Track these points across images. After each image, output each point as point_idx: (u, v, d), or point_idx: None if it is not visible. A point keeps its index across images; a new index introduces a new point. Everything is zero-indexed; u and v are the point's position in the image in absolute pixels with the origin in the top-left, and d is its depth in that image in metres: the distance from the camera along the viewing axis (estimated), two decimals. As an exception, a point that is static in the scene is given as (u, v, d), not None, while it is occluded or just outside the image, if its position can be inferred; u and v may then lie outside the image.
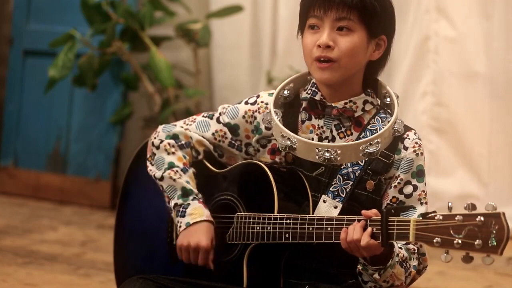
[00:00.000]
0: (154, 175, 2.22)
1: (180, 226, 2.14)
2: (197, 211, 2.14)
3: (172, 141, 2.23)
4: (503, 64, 4.38)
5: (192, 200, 2.16)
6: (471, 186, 4.44)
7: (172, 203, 2.17)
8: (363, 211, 1.94)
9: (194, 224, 2.12)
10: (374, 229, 1.89)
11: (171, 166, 2.19)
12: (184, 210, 2.15)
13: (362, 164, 2.08)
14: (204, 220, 2.13)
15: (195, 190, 2.18)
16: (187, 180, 2.19)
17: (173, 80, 4.41)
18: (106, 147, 4.79)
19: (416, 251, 2.07)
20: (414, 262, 2.06)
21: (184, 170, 2.20)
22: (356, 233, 1.91)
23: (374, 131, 2.09)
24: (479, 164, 4.45)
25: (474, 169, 4.46)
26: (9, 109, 5.03)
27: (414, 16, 4.45)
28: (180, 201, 2.16)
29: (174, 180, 2.18)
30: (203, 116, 2.27)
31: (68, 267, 3.51)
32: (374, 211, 1.94)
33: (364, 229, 1.91)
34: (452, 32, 4.43)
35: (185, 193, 2.17)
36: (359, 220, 1.92)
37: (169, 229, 2.25)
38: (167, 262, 2.25)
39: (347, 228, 1.93)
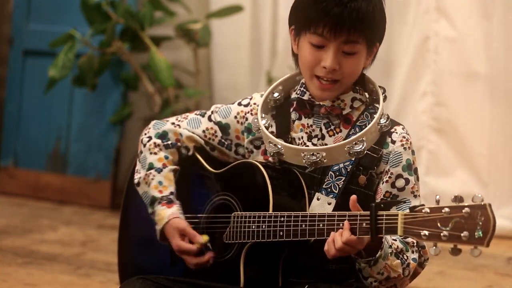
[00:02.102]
0: (135, 181, 2.26)
1: (159, 236, 2.20)
2: (160, 216, 2.18)
3: (158, 141, 2.25)
4: (503, 64, 4.38)
5: (157, 205, 2.19)
6: (471, 186, 4.44)
7: (149, 212, 2.22)
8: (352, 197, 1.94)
9: (162, 230, 2.17)
10: (364, 224, 1.89)
11: (150, 167, 2.22)
12: (154, 218, 2.20)
13: (353, 159, 2.08)
14: (167, 222, 2.16)
15: (160, 194, 2.20)
16: (159, 180, 2.21)
17: (173, 80, 4.41)
18: (106, 147, 4.80)
19: (415, 244, 2.07)
20: (414, 255, 2.06)
21: (159, 170, 2.21)
22: (337, 241, 1.91)
23: (363, 127, 2.09)
24: (479, 164, 4.45)
25: (474, 169, 4.46)
26: (9, 109, 5.03)
27: (414, 16, 4.45)
28: (150, 210, 2.21)
29: (148, 184, 2.21)
30: (195, 113, 2.29)
31: (68, 267, 3.51)
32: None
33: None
34: (452, 32, 4.43)
35: (152, 201, 2.20)
36: (349, 216, 1.92)
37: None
38: (168, 263, 2.26)
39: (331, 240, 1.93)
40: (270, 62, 4.87)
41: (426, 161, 4.48)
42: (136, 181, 2.25)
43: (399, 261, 2.01)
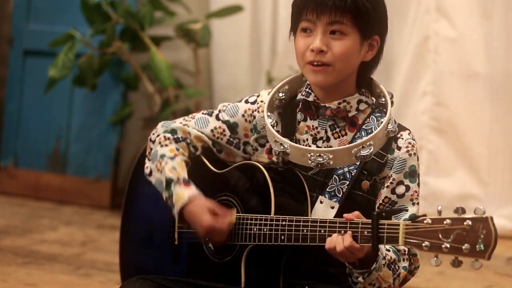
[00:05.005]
0: (146, 172, 2.21)
1: (176, 218, 2.14)
2: (179, 196, 2.10)
3: (168, 135, 2.22)
4: (503, 64, 4.38)
5: (174, 186, 2.12)
6: (471, 186, 4.44)
7: (164, 198, 2.15)
8: (345, 214, 1.93)
9: (182, 211, 2.09)
10: (365, 232, 1.89)
11: (161, 157, 2.18)
12: (171, 201, 2.12)
13: (358, 163, 2.08)
14: (187, 203, 2.09)
15: (176, 176, 2.13)
16: (173, 166, 2.15)
17: (173, 80, 4.41)
18: (106, 147, 4.80)
19: (406, 252, 2.07)
20: (405, 263, 2.06)
21: (172, 158, 2.17)
22: (339, 244, 1.91)
23: (369, 131, 2.09)
24: (479, 164, 4.45)
25: (474, 169, 4.46)
26: (9, 109, 5.03)
27: (414, 16, 4.45)
28: (166, 194, 2.13)
29: (161, 171, 2.15)
30: (202, 113, 2.27)
31: (68, 267, 3.51)
32: (356, 213, 1.93)
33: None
34: (452, 32, 4.43)
35: (168, 183, 2.13)
36: (351, 223, 1.92)
37: (171, 229, 2.25)
38: (169, 263, 2.26)
39: (336, 236, 1.92)
40: (270, 62, 4.87)
41: (426, 161, 4.48)
42: (147, 171, 2.19)
43: (390, 272, 2.01)
